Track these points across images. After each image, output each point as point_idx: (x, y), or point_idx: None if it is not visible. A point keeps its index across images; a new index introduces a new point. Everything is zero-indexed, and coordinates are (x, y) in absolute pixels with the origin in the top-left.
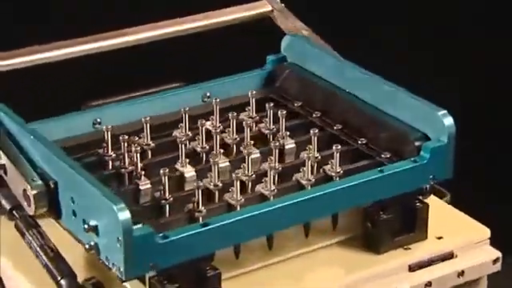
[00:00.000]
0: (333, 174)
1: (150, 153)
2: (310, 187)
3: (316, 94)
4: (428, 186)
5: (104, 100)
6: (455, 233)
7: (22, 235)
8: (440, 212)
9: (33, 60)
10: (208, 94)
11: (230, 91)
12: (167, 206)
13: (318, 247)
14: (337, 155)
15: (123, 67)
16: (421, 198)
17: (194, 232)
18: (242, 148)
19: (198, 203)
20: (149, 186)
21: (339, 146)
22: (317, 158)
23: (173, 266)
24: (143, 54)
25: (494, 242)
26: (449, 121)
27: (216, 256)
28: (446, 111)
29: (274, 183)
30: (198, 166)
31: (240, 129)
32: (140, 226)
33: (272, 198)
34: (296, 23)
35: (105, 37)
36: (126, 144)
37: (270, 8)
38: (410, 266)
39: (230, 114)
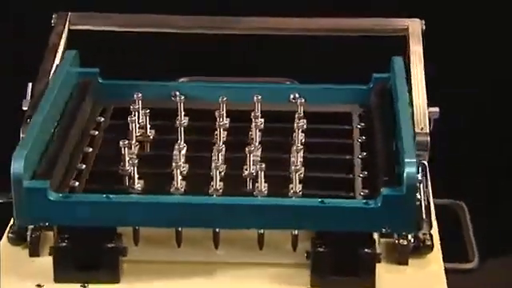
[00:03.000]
0: (291, 195)
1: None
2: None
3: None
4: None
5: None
6: None
7: None
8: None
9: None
10: (297, 96)
11: (321, 98)
12: (126, 177)
13: (232, 261)
14: (296, 175)
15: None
16: (372, 245)
17: (94, 200)
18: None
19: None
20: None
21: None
22: (298, 171)
23: (74, 230)
24: (259, 45)
25: None
26: (410, 171)
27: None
28: (413, 160)
29: (221, 183)
30: (198, 153)
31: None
32: (42, 181)
33: (214, 195)
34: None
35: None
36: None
37: (405, 27)
38: None
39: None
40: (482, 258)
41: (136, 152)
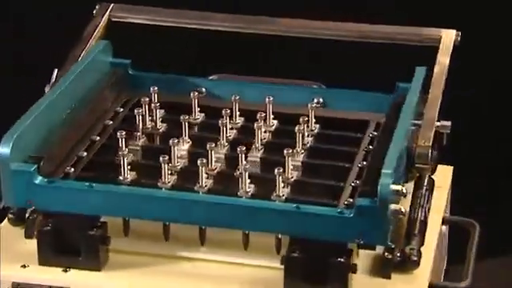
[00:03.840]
0: (274, 198)
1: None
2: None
3: None
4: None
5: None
6: None
7: None
8: None
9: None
10: (321, 100)
11: (344, 104)
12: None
13: (214, 259)
14: (280, 178)
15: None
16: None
17: (77, 187)
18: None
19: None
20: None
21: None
22: (290, 174)
23: (58, 215)
24: (296, 46)
25: None
26: (384, 182)
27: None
28: (388, 171)
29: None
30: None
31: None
32: (28, 164)
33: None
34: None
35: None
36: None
37: (438, 37)
38: None
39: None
40: (476, 278)
41: (140, 144)
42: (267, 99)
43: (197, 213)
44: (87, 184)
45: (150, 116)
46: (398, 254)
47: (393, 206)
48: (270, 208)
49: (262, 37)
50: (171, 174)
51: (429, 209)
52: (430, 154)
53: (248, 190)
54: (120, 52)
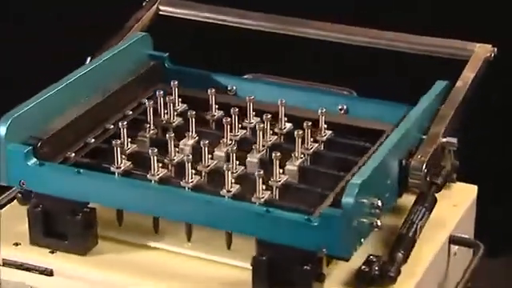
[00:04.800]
0: (254, 200)
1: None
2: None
3: None
4: None
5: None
6: None
7: None
8: None
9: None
10: (345, 107)
11: (365, 113)
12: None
13: (195, 255)
14: (259, 180)
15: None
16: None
17: (65, 172)
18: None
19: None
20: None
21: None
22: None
23: (48, 197)
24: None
25: None
26: (349, 193)
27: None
28: (356, 182)
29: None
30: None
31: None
32: (23, 146)
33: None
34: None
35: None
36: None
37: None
38: None
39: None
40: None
41: (148, 135)
42: (279, 101)
43: (165, 205)
44: (75, 169)
45: (166, 109)
46: (377, 268)
47: (366, 219)
48: (239, 208)
49: (300, 38)
50: (163, 167)
51: (422, 226)
52: (424, 170)
53: (231, 189)
54: (167, 46)
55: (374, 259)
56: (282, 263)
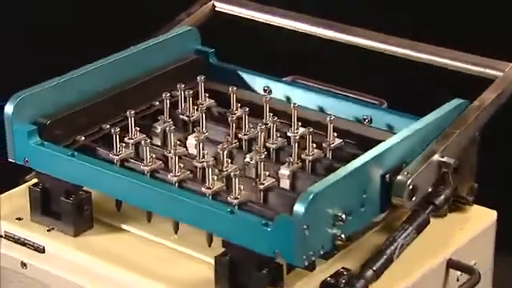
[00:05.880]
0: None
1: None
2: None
3: None
4: None
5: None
6: None
7: None
8: None
9: None
10: (367, 118)
11: (386, 125)
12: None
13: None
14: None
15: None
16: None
17: (60, 154)
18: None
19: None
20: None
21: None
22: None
23: (47, 177)
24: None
25: None
26: (300, 202)
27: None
28: (311, 190)
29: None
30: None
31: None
32: (28, 125)
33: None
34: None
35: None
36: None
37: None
38: None
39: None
40: None
41: (161, 127)
42: (292, 105)
43: (137, 195)
44: (69, 152)
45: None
46: (343, 281)
47: (326, 230)
48: (205, 207)
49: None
50: (160, 159)
51: (405, 245)
52: (409, 188)
53: (211, 186)
54: (221, 42)
55: (345, 272)
56: (242, 265)
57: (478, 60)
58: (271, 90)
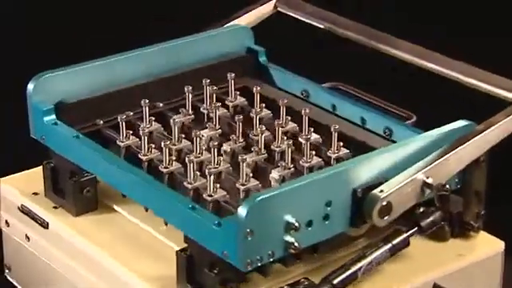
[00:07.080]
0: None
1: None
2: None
3: None
4: None
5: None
6: None
7: None
8: None
9: None
10: (387, 131)
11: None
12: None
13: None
14: (211, 178)
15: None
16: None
17: (66, 134)
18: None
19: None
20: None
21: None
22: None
23: (58, 156)
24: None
25: None
26: (245, 205)
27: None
28: (259, 195)
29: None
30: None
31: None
32: (46, 104)
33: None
34: None
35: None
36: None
37: None
38: None
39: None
40: None
41: (178, 120)
42: (303, 111)
43: (115, 178)
44: (75, 134)
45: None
46: None
47: (276, 236)
48: (171, 199)
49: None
50: (155, 148)
51: (377, 264)
52: (381, 205)
53: (193, 181)
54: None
55: (306, 282)
56: (198, 262)
57: (496, 81)
58: (309, 94)
